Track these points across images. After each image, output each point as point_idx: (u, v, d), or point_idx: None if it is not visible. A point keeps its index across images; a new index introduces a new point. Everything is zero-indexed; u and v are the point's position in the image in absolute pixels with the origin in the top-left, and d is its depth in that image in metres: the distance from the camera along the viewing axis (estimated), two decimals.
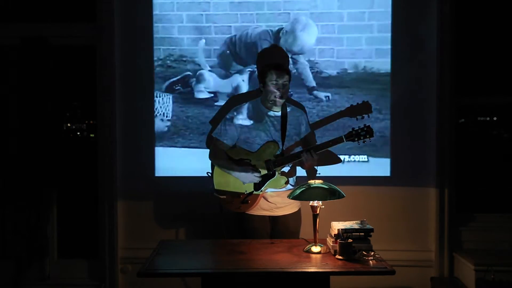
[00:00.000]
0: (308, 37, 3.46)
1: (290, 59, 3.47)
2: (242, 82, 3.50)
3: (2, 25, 3.66)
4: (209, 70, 3.54)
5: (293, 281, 2.32)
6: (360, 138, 2.75)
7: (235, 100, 3.44)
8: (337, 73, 3.47)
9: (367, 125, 2.77)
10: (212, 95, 3.53)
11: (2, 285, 3.63)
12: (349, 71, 3.47)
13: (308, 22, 3.45)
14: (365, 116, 3.29)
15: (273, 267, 2.28)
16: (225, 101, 3.53)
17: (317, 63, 3.48)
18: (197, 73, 3.52)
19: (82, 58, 3.93)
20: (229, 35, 3.51)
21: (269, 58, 3.41)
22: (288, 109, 2.95)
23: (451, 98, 3.51)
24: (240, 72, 3.52)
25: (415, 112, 3.56)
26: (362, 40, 3.46)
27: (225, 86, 3.54)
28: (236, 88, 3.52)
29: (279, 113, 2.92)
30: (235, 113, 2.94)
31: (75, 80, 4.00)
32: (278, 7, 3.50)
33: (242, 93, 3.52)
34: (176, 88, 3.54)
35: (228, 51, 3.52)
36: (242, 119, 2.91)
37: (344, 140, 2.76)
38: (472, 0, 3.62)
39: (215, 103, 3.53)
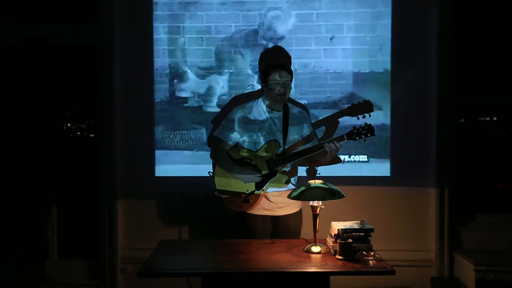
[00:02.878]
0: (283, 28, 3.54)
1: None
2: (219, 83, 3.52)
3: (3, 25, 3.67)
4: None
5: (293, 281, 2.31)
6: (361, 136, 2.76)
7: (237, 99, 3.44)
8: None
9: (368, 123, 2.78)
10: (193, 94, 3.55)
11: (2, 285, 3.63)
12: (298, 71, 3.49)
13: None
14: (366, 115, 3.28)
15: (273, 267, 2.28)
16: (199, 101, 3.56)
17: None
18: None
19: (82, 58, 3.93)
20: (222, 36, 3.52)
21: (271, 58, 3.41)
22: (290, 109, 2.95)
23: (451, 98, 3.50)
24: (219, 73, 3.54)
25: (415, 112, 3.56)
26: (311, 40, 3.50)
27: (201, 87, 3.55)
28: (210, 89, 3.53)
29: (280, 113, 2.92)
30: (236, 113, 2.94)
31: (75, 80, 4.00)
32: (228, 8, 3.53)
33: (244, 93, 3.52)
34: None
35: (222, 51, 3.54)
36: (244, 118, 2.92)
37: (346, 138, 2.76)
38: (472, 0, 3.62)
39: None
